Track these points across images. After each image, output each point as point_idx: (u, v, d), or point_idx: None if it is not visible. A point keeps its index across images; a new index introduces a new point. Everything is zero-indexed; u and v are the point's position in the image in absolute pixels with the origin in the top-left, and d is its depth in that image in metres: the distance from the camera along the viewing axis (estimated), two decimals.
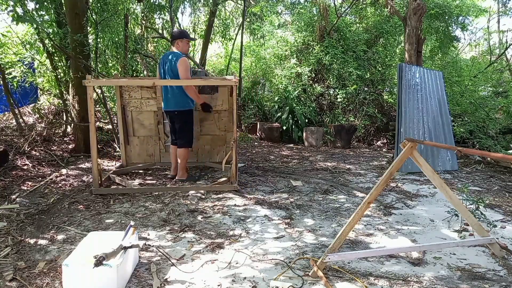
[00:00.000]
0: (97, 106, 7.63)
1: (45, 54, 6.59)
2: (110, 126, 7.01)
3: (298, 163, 6.03)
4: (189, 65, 4.34)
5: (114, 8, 6.47)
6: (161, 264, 2.59)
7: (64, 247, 2.85)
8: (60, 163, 5.29)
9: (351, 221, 2.47)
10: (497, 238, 3.08)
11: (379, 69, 9.31)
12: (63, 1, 5.63)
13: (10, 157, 5.06)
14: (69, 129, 6.74)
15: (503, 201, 4.11)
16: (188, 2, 10.19)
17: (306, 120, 8.27)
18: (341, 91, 8.60)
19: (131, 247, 2.37)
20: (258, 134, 8.59)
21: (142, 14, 8.61)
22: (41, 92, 7.83)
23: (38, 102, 7.66)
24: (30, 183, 4.44)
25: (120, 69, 7.28)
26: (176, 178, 4.60)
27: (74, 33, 5.32)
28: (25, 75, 6.80)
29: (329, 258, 2.38)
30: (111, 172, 4.79)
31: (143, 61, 8.50)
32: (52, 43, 6.00)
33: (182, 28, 10.04)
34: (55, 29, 5.97)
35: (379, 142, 8.23)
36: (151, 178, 4.90)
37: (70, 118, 6.39)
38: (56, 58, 6.47)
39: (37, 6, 5.37)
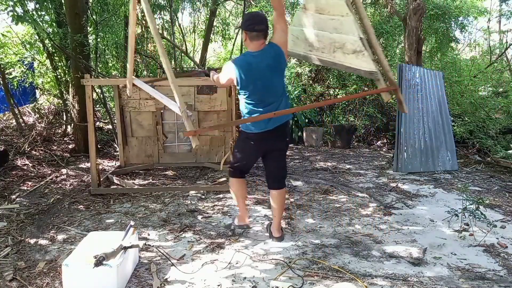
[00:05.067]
0: (97, 106, 7.63)
1: (45, 54, 6.59)
2: (110, 126, 7.01)
3: (298, 163, 6.02)
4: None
5: (114, 8, 6.47)
6: (161, 264, 2.59)
7: (64, 247, 2.85)
8: (60, 163, 5.29)
9: None
10: (497, 238, 3.09)
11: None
12: (63, 1, 5.63)
13: (10, 157, 5.06)
14: (69, 129, 6.74)
15: (503, 201, 4.11)
16: (188, 2, 10.18)
17: (306, 120, 8.26)
18: (341, 91, 8.58)
19: (131, 247, 2.37)
20: None
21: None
22: (40, 92, 7.83)
23: (37, 102, 7.66)
24: (30, 183, 4.44)
25: (120, 69, 7.28)
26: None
27: (74, 33, 5.32)
28: (25, 75, 6.80)
29: None
30: (110, 172, 4.80)
31: (143, 61, 8.50)
32: (52, 43, 6.00)
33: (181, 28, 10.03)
34: (55, 29, 5.97)
35: (379, 142, 8.22)
36: (150, 178, 4.90)
37: (70, 118, 6.39)
38: (56, 58, 6.48)
39: (37, 6, 5.38)
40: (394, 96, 2.53)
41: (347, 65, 2.43)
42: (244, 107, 2.77)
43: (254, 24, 2.62)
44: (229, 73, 2.71)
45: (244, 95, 2.73)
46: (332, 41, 2.48)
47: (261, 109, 2.68)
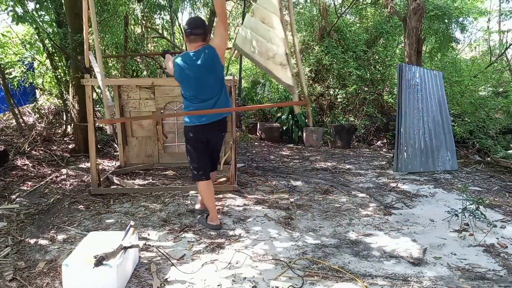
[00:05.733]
0: (97, 106, 7.63)
1: (45, 54, 6.59)
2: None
3: (298, 163, 6.03)
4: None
5: (114, 8, 6.46)
6: (161, 264, 2.59)
7: (64, 247, 2.85)
8: (60, 163, 5.29)
9: None
10: (497, 238, 3.09)
11: (379, 69, 9.31)
12: (63, 1, 5.63)
13: (10, 157, 5.06)
14: (69, 129, 6.74)
15: (503, 201, 4.11)
16: (188, 2, 10.18)
17: (306, 120, 8.27)
18: (341, 91, 8.57)
19: (131, 247, 2.37)
20: (258, 134, 8.59)
21: (142, 14, 8.60)
22: (40, 92, 7.83)
23: (37, 102, 7.66)
24: (30, 183, 4.44)
25: (120, 69, 7.28)
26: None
27: (74, 33, 5.32)
28: (25, 75, 6.80)
29: None
30: (110, 172, 4.80)
31: (143, 61, 8.50)
32: (52, 43, 6.00)
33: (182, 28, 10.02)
34: (55, 29, 5.97)
35: (379, 142, 8.22)
36: (150, 178, 4.90)
37: (70, 118, 6.39)
38: (56, 58, 6.47)
39: (37, 6, 5.38)
40: (304, 108, 2.85)
41: (275, 74, 2.71)
42: (183, 101, 3.15)
43: (192, 29, 2.97)
44: (171, 66, 3.08)
45: (182, 89, 3.08)
46: (267, 50, 2.78)
47: (196, 104, 3.04)
